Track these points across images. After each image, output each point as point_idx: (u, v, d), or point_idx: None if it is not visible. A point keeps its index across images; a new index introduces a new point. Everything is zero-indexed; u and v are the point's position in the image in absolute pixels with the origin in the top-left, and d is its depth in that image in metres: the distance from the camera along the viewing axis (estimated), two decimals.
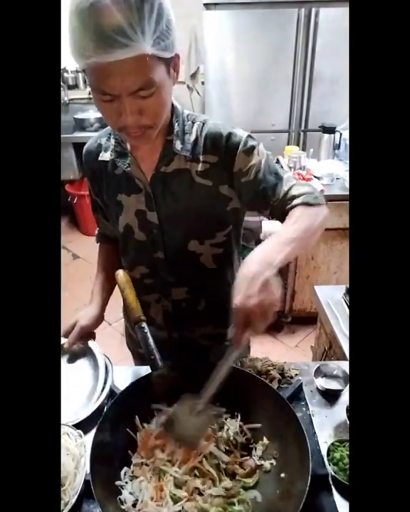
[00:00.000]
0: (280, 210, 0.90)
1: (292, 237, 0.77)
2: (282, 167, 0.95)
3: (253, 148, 0.90)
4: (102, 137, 0.99)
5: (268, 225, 2.18)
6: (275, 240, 0.77)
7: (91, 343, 1.06)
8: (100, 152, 0.97)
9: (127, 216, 0.98)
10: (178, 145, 0.89)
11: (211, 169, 0.91)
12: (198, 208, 0.93)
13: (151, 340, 0.83)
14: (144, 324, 0.85)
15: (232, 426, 0.84)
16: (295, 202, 0.87)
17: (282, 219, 0.89)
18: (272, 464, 0.80)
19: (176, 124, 0.90)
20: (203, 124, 0.91)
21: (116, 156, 0.93)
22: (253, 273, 0.69)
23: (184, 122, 0.91)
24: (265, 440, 0.83)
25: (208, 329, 1.11)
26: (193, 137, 0.90)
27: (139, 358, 1.24)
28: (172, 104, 0.89)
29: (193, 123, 0.92)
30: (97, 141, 0.99)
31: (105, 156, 0.96)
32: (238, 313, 0.69)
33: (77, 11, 0.66)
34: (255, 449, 0.83)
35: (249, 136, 0.91)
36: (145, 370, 0.85)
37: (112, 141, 0.94)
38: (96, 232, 1.19)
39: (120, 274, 0.94)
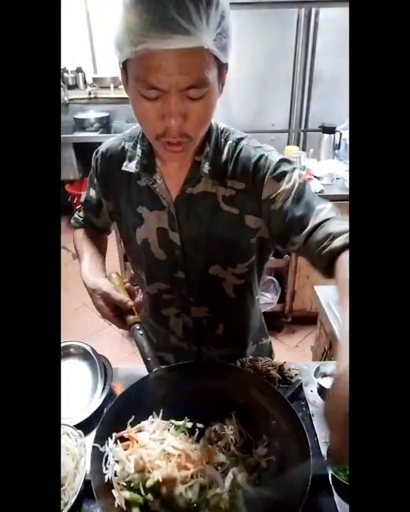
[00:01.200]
0: (313, 252, 0.73)
1: None
2: (319, 197, 0.81)
3: (284, 174, 0.80)
4: (127, 141, 0.91)
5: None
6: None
7: (90, 344, 1.06)
8: (123, 157, 0.89)
9: (146, 231, 0.92)
10: (206, 167, 0.82)
11: (237, 196, 0.84)
12: (221, 234, 0.87)
13: (146, 343, 0.83)
14: (138, 326, 0.84)
15: (230, 427, 0.84)
16: (335, 244, 0.68)
17: (317, 265, 0.73)
18: (272, 462, 0.80)
19: (208, 144, 0.82)
20: (237, 143, 0.84)
21: (142, 170, 0.86)
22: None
23: (217, 140, 0.84)
24: (265, 437, 0.83)
25: (226, 351, 1.08)
26: (224, 158, 0.83)
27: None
28: None
29: (226, 141, 0.84)
30: (121, 144, 0.91)
31: (130, 166, 0.87)
32: (337, 416, 0.52)
33: None
34: (256, 447, 0.83)
35: (283, 159, 0.81)
36: (146, 370, 0.85)
37: (139, 150, 0.86)
38: (74, 216, 1.09)
39: (113, 276, 0.92)
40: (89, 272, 0.93)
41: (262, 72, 2.86)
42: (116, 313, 0.83)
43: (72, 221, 1.10)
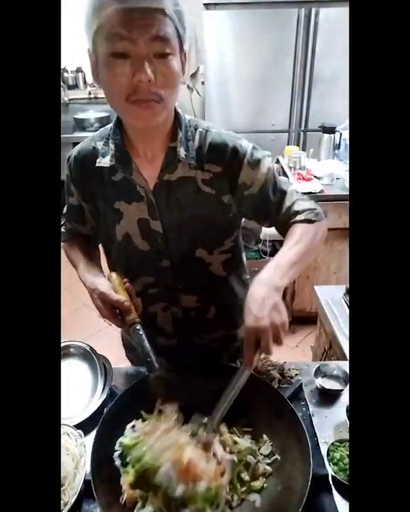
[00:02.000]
0: (281, 224, 0.93)
1: (295, 260, 0.81)
2: (285, 175, 0.98)
3: (258, 161, 0.89)
4: (97, 141, 0.92)
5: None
6: (279, 263, 0.81)
7: (90, 344, 1.06)
8: (96, 156, 0.90)
9: (127, 224, 0.93)
10: (182, 152, 0.86)
11: (214, 178, 0.89)
12: (204, 216, 0.92)
13: (146, 342, 0.83)
14: (138, 326, 0.84)
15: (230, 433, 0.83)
16: (298, 218, 0.90)
17: (282, 232, 0.93)
18: (275, 459, 0.80)
19: (180, 130, 0.87)
20: (207, 131, 0.89)
21: (116, 162, 0.87)
22: (262, 296, 0.74)
23: (186, 128, 0.89)
24: (265, 437, 0.83)
25: (218, 334, 1.10)
26: (197, 144, 0.88)
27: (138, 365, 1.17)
28: (175, 110, 0.87)
29: (195, 129, 0.90)
30: (91, 145, 0.92)
31: (104, 161, 0.89)
32: (250, 334, 0.72)
33: None
34: (260, 448, 0.82)
35: (254, 147, 0.91)
36: (146, 370, 0.85)
37: (111, 145, 0.89)
38: (63, 230, 1.08)
39: (113, 276, 0.91)
40: (87, 273, 0.94)
41: (262, 72, 2.86)
42: (114, 312, 0.83)
43: (62, 235, 1.09)
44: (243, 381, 0.75)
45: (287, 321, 0.73)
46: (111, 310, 0.83)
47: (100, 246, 1.07)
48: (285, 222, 0.92)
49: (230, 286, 1.06)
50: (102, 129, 0.95)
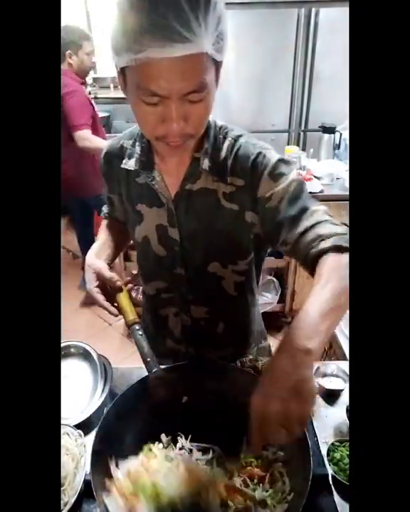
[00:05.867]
0: (302, 252, 0.74)
1: (326, 309, 0.60)
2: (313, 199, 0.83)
3: (281, 174, 0.80)
4: (126, 140, 0.92)
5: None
6: (307, 317, 0.60)
7: (90, 344, 1.06)
8: (122, 156, 0.91)
9: (146, 228, 0.94)
10: (206, 164, 0.82)
11: (237, 192, 0.84)
12: (221, 231, 0.88)
13: (145, 343, 0.83)
14: (138, 326, 0.84)
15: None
16: (324, 245, 0.70)
17: (306, 264, 0.74)
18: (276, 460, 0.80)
19: (206, 141, 0.83)
20: (235, 140, 0.84)
21: (140, 167, 0.87)
22: (283, 367, 0.55)
23: (215, 137, 0.84)
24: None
25: (226, 351, 1.06)
26: (223, 155, 0.83)
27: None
28: None
29: (224, 138, 0.85)
30: (119, 143, 0.93)
31: (130, 164, 0.88)
32: (255, 416, 0.55)
33: None
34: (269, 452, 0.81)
35: (281, 159, 0.82)
36: (146, 370, 0.85)
37: (138, 148, 0.88)
38: (103, 208, 1.11)
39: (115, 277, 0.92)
40: (94, 253, 0.95)
41: (262, 72, 2.86)
42: (105, 291, 0.85)
43: (102, 212, 1.13)
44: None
45: (309, 412, 0.54)
46: (103, 288, 0.85)
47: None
48: (307, 249, 0.73)
49: (241, 307, 1.03)
50: (133, 128, 0.93)
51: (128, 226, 1.02)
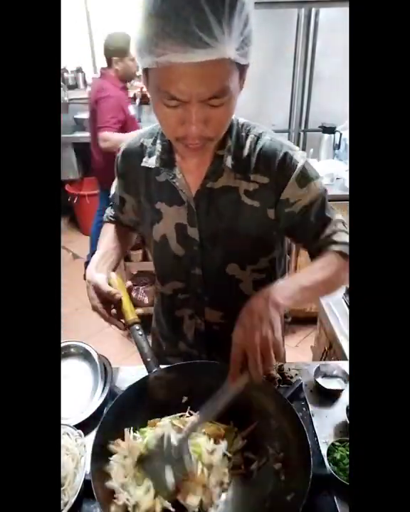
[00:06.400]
0: (314, 249, 0.87)
1: (308, 285, 0.74)
2: (332, 208, 0.90)
3: (309, 180, 0.83)
4: (146, 138, 0.92)
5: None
6: (290, 283, 0.74)
7: (90, 344, 1.06)
8: (142, 153, 0.90)
9: (165, 226, 0.93)
10: (229, 161, 0.82)
11: (260, 190, 0.84)
12: (243, 229, 0.88)
13: (145, 343, 0.83)
14: (138, 326, 0.84)
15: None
16: (333, 247, 0.84)
17: (313, 255, 0.86)
18: (277, 460, 0.80)
19: (229, 139, 0.83)
20: (258, 138, 0.84)
21: (161, 165, 0.87)
22: (259, 309, 0.67)
23: (238, 134, 0.84)
24: (270, 448, 0.82)
25: None
26: (246, 152, 0.83)
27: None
28: None
29: (247, 135, 0.85)
30: (139, 140, 0.92)
31: (150, 162, 0.88)
32: (237, 348, 0.66)
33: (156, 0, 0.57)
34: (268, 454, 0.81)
35: (308, 163, 0.84)
36: (146, 370, 0.85)
37: (158, 146, 0.87)
38: (107, 211, 1.10)
39: (113, 276, 0.92)
40: (94, 267, 0.93)
41: (262, 72, 2.86)
42: (107, 306, 0.84)
43: (104, 216, 1.11)
44: (228, 396, 0.69)
45: (281, 341, 0.65)
46: (104, 303, 0.84)
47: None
48: (318, 249, 0.86)
49: None
50: (153, 126, 0.93)
51: (142, 226, 1.00)
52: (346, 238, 0.85)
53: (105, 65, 2.60)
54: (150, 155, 0.89)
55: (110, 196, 1.08)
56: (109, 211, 1.10)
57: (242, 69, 0.68)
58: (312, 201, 0.84)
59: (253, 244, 0.90)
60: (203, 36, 0.56)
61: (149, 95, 0.72)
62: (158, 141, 0.88)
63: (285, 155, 0.82)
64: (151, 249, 1.02)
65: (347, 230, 0.86)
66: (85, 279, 0.91)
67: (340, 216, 0.89)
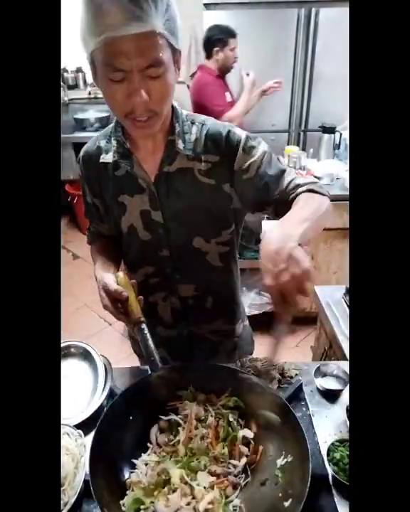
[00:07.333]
0: (284, 202, 0.88)
1: (304, 217, 0.76)
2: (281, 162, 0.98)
3: (253, 147, 0.91)
4: (101, 139, 0.98)
5: (269, 225, 2.19)
6: (289, 219, 0.76)
7: (90, 344, 1.06)
8: (100, 154, 0.96)
9: (130, 217, 0.98)
10: (180, 144, 0.90)
11: (213, 168, 0.92)
12: (202, 206, 0.94)
13: (150, 342, 0.83)
14: (143, 325, 0.84)
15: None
16: (300, 190, 0.87)
17: (286, 208, 0.85)
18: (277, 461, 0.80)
19: (177, 125, 0.91)
20: (203, 124, 0.93)
21: (118, 157, 0.93)
22: (276, 248, 0.66)
23: (183, 123, 0.92)
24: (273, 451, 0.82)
25: (216, 325, 1.12)
26: (194, 137, 0.92)
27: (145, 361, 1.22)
28: (172, 105, 0.89)
29: (192, 123, 0.93)
30: (95, 144, 0.98)
31: (107, 157, 0.95)
32: (272, 292, 0.66)
33: None
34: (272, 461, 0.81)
35: (248, 136, 0.92)
36: (146, 370, 0.85)
37: (114, 142, 0.94)
38: (87, 232, 1.14)
39: (120, 275, 0.92)
40: (100, 269, 0.96)
41: (262, 72, 2.86)
42: (116, 304, 0.86)
43: (86, 238, 1.15)
44: (282, 335, 0.75)
45: (310, 270, 0.65)
46: (113, 302, 0.86)
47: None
48: (287, 198, 0.88)
49: (228, 279, 1.09)
50: (105, 129, 1.00)
51: (110, 223, 1.03)
52: (306, 179, 0.91)
53: None
54: (107, 152, 0.95)
55: (84, 211, 1.10)
56: (90, 230, 1.13)
57: (175, 53, 0.78)
58: (262, 158, 0.90)
59: (214, 219, 0.97)
60: (136, 10, 0.68)
61: (97, 84, 0.81)
62: (112, 138, 0.94)
63: (229, 132, 0.90)
64: (122, 244, 1.05)
65: (301, 177, 0.93)
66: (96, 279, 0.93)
67: (289, 168, 0.96)
